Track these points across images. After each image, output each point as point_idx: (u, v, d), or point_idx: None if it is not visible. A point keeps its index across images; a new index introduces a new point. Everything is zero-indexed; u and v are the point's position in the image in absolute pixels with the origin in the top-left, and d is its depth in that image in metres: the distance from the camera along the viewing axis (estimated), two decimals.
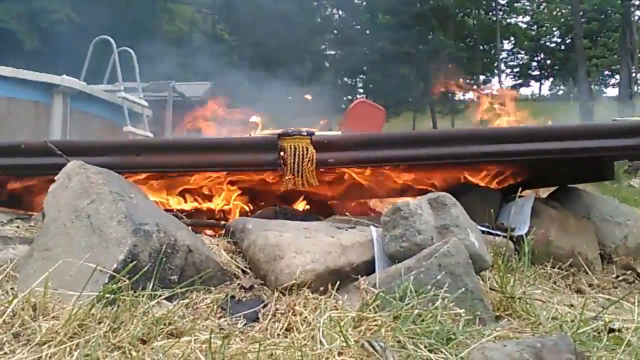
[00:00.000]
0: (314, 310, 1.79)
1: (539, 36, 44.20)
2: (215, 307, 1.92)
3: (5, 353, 1.43)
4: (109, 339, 1.48)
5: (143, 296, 1.71)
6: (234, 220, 2.65)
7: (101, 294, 1.66)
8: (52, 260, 1.93)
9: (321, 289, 1.99)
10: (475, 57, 38.05)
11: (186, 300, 1.92)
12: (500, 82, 39.66)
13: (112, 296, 1.67)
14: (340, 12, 42.02)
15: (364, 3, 40.38)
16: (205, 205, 3.42)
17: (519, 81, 45.78)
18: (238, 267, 2.27)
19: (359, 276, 2.04)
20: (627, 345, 1.57)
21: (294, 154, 2.79)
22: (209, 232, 2.95)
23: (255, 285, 2.11)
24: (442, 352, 1.48)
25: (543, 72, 45.90)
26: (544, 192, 3.62)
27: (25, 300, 1.62)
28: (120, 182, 2.32)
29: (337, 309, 1.79)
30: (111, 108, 9.85)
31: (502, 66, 41.41)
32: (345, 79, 40.83)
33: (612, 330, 1.73)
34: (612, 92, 40.13)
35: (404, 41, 32.14)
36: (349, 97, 37.90)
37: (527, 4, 43.68)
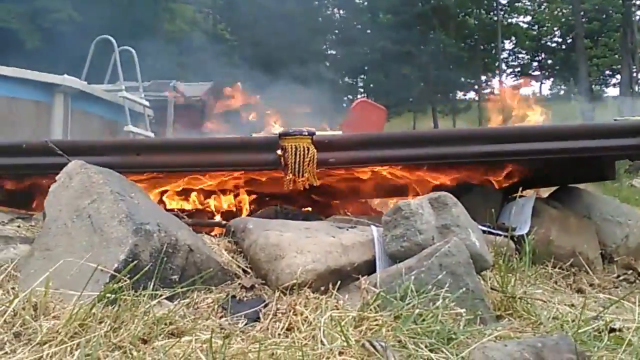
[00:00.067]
0: (315, 309, 1.79)
1: (540, 36, 44.13)
2: (216, 306, 1.92)
3: (6, 353, 1.43)
4: (110, 339, 1.48)
5: (144, 296, 1.71)
6: (235, 220, 2.65)
7: (102, 293, 1.66)
8: (53, 260, 1.93)
9: (322, 288, 2.00)
10: (476, 56, 37.99)
11: (187, 300, 1.92)
12: (501, 81, 39.62)
13: (113, 296, 1.67)
14: (341, 12, 42.02)
15: (365, 3, 40.35)
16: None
17: (520, 81, 45.77)
18: (239, 266, 2.27)
19: (360, 276, 2.04)
20: (628, 345, 1.57)
21: (295, 154, 2.79)
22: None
23: (256, 285, 2.11)
24: (443, 351, 1.48)
25: (544, 71, 45.87)
26: (545, 192, 3.61)
27: (26, 300, 1.62)
28: (121, 182, 2.32)
29: (338, 309, 1.79)
30: (112, 108, 9.83)
31: (503, 66, 41.33)
32: (346, 78, 40.81)
33: (613, 330, 1.73)
34: (613, 91, 40.09)
35: (405, 41, 32.09)
36: (350, 96, 37.92)
37: (528, 3, 43.63)
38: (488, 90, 38.19)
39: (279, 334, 1.71)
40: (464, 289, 1.84)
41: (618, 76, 38.22)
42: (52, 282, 1.68)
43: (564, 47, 42.49)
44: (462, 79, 37.36)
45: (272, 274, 2.08)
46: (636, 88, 30.74)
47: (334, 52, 40.43)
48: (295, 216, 3.11)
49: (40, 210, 3.11)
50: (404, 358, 1.45)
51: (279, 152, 2.83)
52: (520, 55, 45.96)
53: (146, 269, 1.84)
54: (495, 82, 40.48)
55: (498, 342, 1.50)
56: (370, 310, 1.71)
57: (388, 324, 1.62)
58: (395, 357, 1.41)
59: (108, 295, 1.67)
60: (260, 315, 1.87)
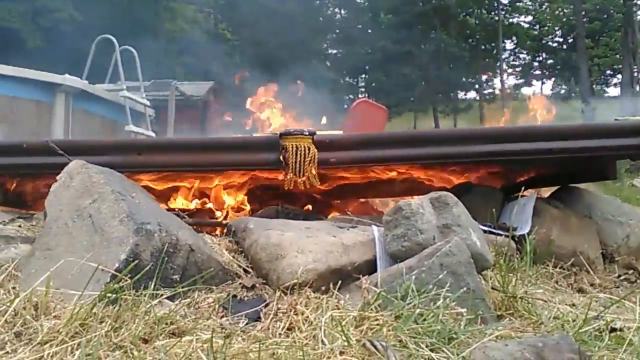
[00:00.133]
0: (316, 309, 1.79)
1: (541, 36, 44.12)
2: (217, 306, 1.92)
3: (7, 352, 1.43)
4: (111, 339, 1.48)
5: (145, 295, 1.71)
6: (236, 220, 2.65)
7: (103, 293, 1.66)
8: (53, 260, 1.94)
9: (323, 288, 2.00)
10: (477, 56, 37.97)
11: (188, 300, 1.92)
12: (502, 81, 39.62)
13: (114, 295, 1.67)
14: (342, 12, 42.05)
15: (366, 2, 40.36)
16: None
17: (521, 80, 45.80)
18: (240, 266, 2.27)
19: (361, 275, 2.04)
20: (629, 345, 1.57)
21: (296, 154, 2.79)
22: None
23: (257, 285, 2.11)
24: (443, 351, 1.47)
25: (545, 71, 45.87)
26: (546, 192, 3.61)
27: (27, 300, 1.62)
28: (122, 182, 2.32)
29: (338, 309, 1.79)
30: (113, 107, 9.83)
31: (504, 66, 41.32)
32: (347, 78, 40.82)
33: (613, 329, 1.73)
34: (614, 91, 40.07)
35: (405, 40, 32.10)
36: (351, 96, 37.93)
37: (529, 3, 43.65)
38: (489, 90, 38.28)
39: (280, 334, 1.71)
40: (464, 288, 1.84)
41: (619, 76, 38.19)
42: (53, 282, 1.68)
43: (565, 47, 42.48)
44: (463, 79, 37.35)
45: (273, 273, 2.08)
46: (637, 88, 30.70)
47: (334, 52, 40.47)
48: (296, 216, 3.11)
49: (41, 210, 3.11)
50: (404, 358, 1.45)
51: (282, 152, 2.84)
52: (521, 55, 46.01)
53: (147, 268, 1.84)
54: (496, 81, 40.54)
55: (499, 342, 1.49)
56: (371, 309, 1.71)
57: (389, 324, 1.62)
58: (396, 357, 1.41)
59: (109, 294, 1.67)
60: (261, 315, 1.87)
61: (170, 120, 12.24)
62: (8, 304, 1.60)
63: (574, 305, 2.17)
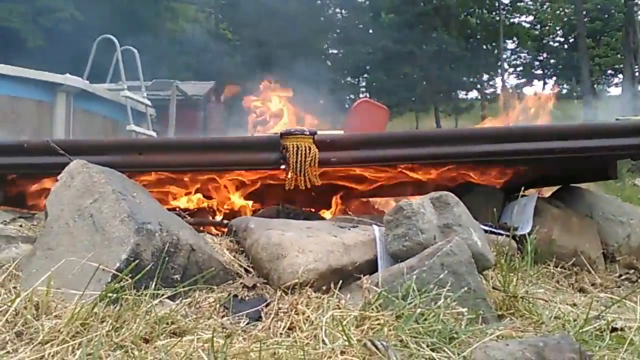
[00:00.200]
0: (317, 309, 1.79)
1: (542, 36, 44.11)
2: (217, 306, 1.92)
3: (8, 352, 1.43)
4: (112, 338, 1.48)
5: (145, 295, 1.71)
6: (237, 219, 2.65)
7: (104, 293, 1.66)
8: (54, 259, 1.94)
9: (324, 288, 2.00)
10: (478, 56, 37.93)
11: (189, 299, 1.92)
12: (503, 81, 39.58)
13: (115, 295, 1.67)
14: (343, 11, 42.02)
15: (367, 2, 40.34)
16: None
17: (522, 80, 45.77)
18: (241, 266, 2.27)
19: (362, 275, 2.04)
20: (630, 344, 1.57)
21: (297, 153, 2.79)
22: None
23: (258, 284, 2.11)
24: (444, 351, 1.47)
25: (546, 71, 45.84)
26: (547, 192, 3.61)
27: (28, 299, 1.62)
28: (123, 181, 2.32)
29: (339, 308, 1.79)
30: (114, 107, 9.83)
31: (505, 65, 41.29)
32: (348, 78, 40.82)
33: (614, 329, 1.73)
34: (615, 91, 40.03)
35: (407, 40, 32.08)
36: (352, 96, 37.90)
37: (530, 3, 43.63)
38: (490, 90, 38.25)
39: (281, 334, 1.71)
40: (465, 288, 1.84)
41: (620, 75, 38.17)
42: (53, 282, 1.68)
43: (566, 46, 42.46)
44: (464, 79, 37.30)
45: (274, 273, 2.08)
46: (638, 87, 30.66)
47: (335, 52, 40.45)
48: (297, 215, 3.11)
49: (42, 209, 3.11)
50: (405, 357, 1.45)
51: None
52: (522, 55, 45.98)
53: (148, 268, 1.84)
54: (497, 81, 40.51)
55: (500, 342, 1.49)
56: (372, 309, 1.71)
57: (390, 324, 1.62)
58: (396, 357, 1.41)
59: (110, 294, 1.67)
60: (262, 315, 1.87)
61: (172, 120, 12.24)
62: (9, 304, 1.61)
63: (575, 305, 2.17)
